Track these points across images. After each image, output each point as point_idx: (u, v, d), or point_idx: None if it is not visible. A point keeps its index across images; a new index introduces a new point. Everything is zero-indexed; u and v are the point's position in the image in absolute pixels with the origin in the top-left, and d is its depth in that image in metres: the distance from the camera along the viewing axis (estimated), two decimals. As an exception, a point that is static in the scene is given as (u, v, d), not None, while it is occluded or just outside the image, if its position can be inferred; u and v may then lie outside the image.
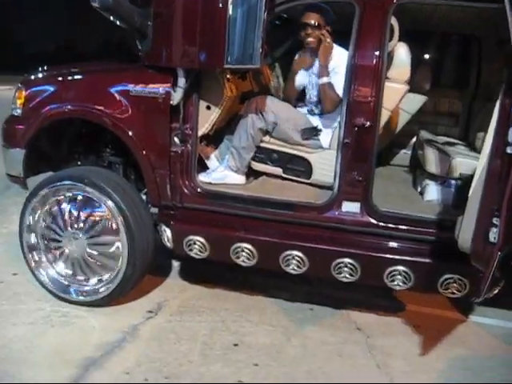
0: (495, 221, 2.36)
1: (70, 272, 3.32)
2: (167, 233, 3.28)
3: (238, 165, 3.39)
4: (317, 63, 3.41)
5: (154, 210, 3.34)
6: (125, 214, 3.10)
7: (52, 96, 3.36)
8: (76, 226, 3.23)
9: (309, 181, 3.40)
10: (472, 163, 3.09)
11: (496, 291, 2.77)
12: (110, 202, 3.11)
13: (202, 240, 3.19)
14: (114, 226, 3.16)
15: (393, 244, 3.05)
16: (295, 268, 3.10)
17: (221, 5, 2.81)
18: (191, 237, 3.20)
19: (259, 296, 3.56)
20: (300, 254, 3.07)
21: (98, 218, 3.21)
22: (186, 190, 3.22)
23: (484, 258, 2.42)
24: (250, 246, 3.12)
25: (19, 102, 3.42)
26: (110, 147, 3.56)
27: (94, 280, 3.29)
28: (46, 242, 3.34)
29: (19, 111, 3.42)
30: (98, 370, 2.72)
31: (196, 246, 3.21)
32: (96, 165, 3.57)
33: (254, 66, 3.14)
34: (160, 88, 3.09)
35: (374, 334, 3.22)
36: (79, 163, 3.67)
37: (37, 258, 3.35)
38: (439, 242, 2.96)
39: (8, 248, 3.91)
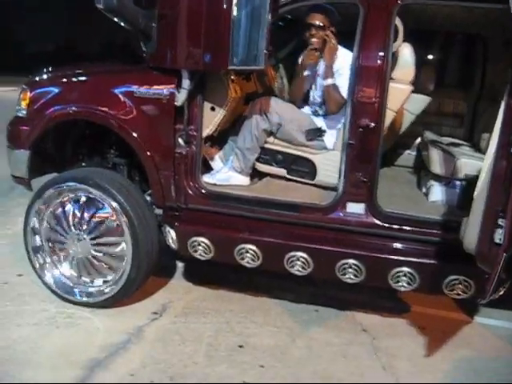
0: (500, 222, 2.34)
1: (75, 273, 3.32)
2: (171, 234, 3.28)
3: (242, 166, 3.38)
4: (321, 64, 3.41)
5: (159, 211, 3.33)
6: (129, 215, 3.10)
7: (56, 97, 3.37)
8: (80, 227, 3.23)
9: (313, 182, 3.39)
10: (477, 164, 3.09)
11: (502, 292, 2.76)
12: (114, 203, 3.11)
13: (206, 241, 3.19)
14: (119, 227, 3.16)
15: (397, 245, 3.05)
16: (300, 269, 3.10)
17: (225, 6, 2.81)
18: (195, 238, 3.20)
19: (264, 297, 3.56)
20: (304, 255, 3.06)
21: (102, 219, 3.21)
22: (190, 191, 3.22)
23: (489, 260, 2.41)
24: (254, 248, 3.12)
25: (24, 103, 3.43)
26: (115, 148, 3.56)
27: (98, 281, 3.29)
28: (50, 243, 3.34)
29: (24, 112, 3.42)
30: (102, 371, 2.72)
31: (200, 248, 3.21)
32: (100, 166, 3.57)
33: (258, 67, 3.14)
34: (164, 89, 3.09)
35: (379, 335, 3.22)
36: (83, 164, 3.67)
37: (41, 260, 3.35)
38: (444, 243, 2.95)
39: (13, 249, 3.92)
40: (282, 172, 3.46)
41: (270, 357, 2.93)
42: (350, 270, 3.02)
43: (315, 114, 3.52)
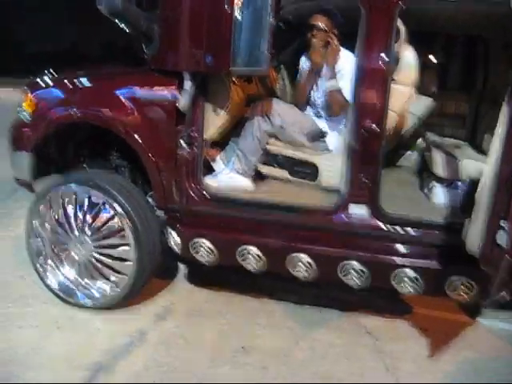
0: (503, 223, 2.34)
1: (77, 275, 3.32)
2: (173, 236, 3.27)
3: (244, 168, 3.38)
4: (323, 66, 3.41)
5: (161, 213, 3.33)
6: (131, 217, 3.10)
7: (58, 100, 3.37)
8: (82, 229, 3.23)
9: (315, 184, 3.39)
10: (479, 165, 3.08)
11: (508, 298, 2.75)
12: (116, 205, 3.11)
13: (208, 243, 3.18)
14: (121, 229, 3.15)
15: (400, 247, 3.04)
16: (302, 271, 3.09)
17: (227, 8, 2.81)
18: (197, 240, 3.19)
19: (267, 299, 3.55)
20: (307, 257, 3.06)
21: (104, 222, 3.20)
22: (192, 193, 3.22)
23: (492, 262, 2.40)
24: (256, 250, 3.11)
25: (26, 105, 3.43)
26: (117, 150, 3.56)
27: (100, 283, 3.29)
28: (52, 245, 3.33)
29: (25, 114, 3.43)
30: (105, 374, 2.72)
31: (202, 249, 3.20)
32: (102, 168, 3.57)
33: (260, 70, 3.14)
34: (166, 91, 3.10)
35: (382, 337, 3.21)
36: (85, 166, 3.67)
37: (43, 262, 3.34)
38: (447, 245, 2.95)
39: (15, 251, 3.91)
40: (284, 174, 3.46)
41: (273, 358, 2.92)
42: (353, 271, 3.02)
43: (317, 115, 3.52)
